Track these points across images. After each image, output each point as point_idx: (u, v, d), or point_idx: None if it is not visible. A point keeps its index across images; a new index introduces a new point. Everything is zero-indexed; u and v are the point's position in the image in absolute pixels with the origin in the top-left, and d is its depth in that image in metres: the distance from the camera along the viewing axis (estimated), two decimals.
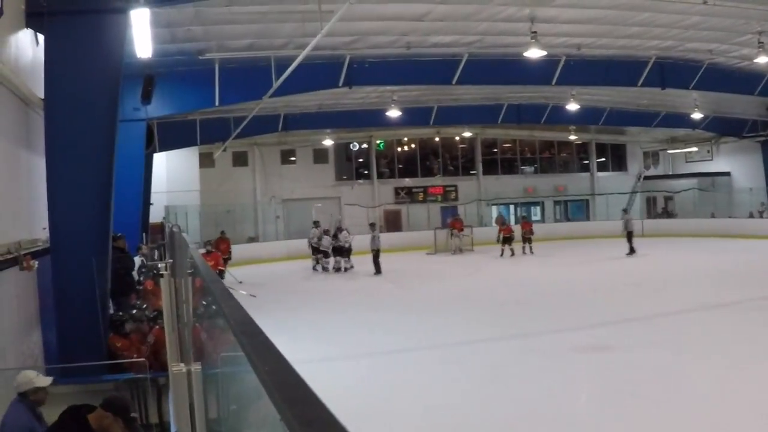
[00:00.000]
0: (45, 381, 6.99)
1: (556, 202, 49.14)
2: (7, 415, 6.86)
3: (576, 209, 49.42)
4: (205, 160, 40.01)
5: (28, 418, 6.80)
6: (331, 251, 31.45)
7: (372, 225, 31.78)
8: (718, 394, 10.71)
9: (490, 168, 48.08)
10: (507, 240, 34.25)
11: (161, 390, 8.91)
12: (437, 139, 47.17)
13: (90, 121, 10.98)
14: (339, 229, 31.80)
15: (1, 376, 7.29)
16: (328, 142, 43.03)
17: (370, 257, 29.01)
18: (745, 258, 28.11)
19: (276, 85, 20.82)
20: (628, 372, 12.17)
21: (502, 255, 33.82)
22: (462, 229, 37.95)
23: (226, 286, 3.14)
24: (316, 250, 32.04)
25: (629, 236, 31.92)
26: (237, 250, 32.24)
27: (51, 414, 7.39)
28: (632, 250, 31.34)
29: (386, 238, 32.44)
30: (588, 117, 40.18)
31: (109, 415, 6.09)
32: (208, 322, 4.59)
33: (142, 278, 18.03)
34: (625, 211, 35.49)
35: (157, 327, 10.37)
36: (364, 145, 46.03)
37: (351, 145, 45.72)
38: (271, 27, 19.73)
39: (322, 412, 1.16)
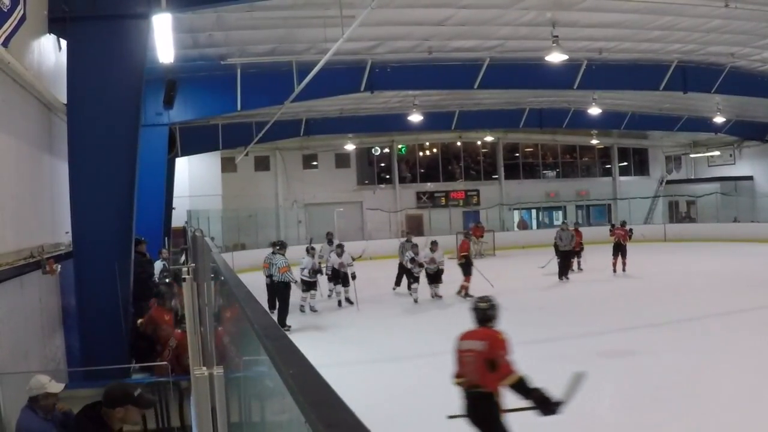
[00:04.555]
0: (57, 387, 6.98)
1: (578, 207, 48.92)
2: (20, 422, 6.88)
3: (598, 214, 49.26)
4: (227, 165, 40.15)
5: (39, 424, 6.81)
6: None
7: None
8: (744, 399, 10.62)
9: (512, 172, 48.05)
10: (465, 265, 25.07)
11: (183, 394, 8.93)
12: (459, 143, 47.11)
13: (112, 125, 11.03)
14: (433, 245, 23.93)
15: (22, 378, 7.30)
16: (349, 147, 43.03)
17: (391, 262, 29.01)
18: None
19: (298, 89, 20.84)
20: (654, 377, 12.08)
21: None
22: (482, 236, 37.83)
23: None
24: (410, 275, 23.46)
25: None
26: (259, 255, 32.19)
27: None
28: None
29: None
30: (610, 121, 40.14)
31: (119, 410, 6.10)
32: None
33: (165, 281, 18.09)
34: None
35: (179, 331, 10.40)
36: (386, 150, 46.13)
37: (373, 149, 45.82)
38: (293, 32, 19.75)
39: (346, 415, 1.15)
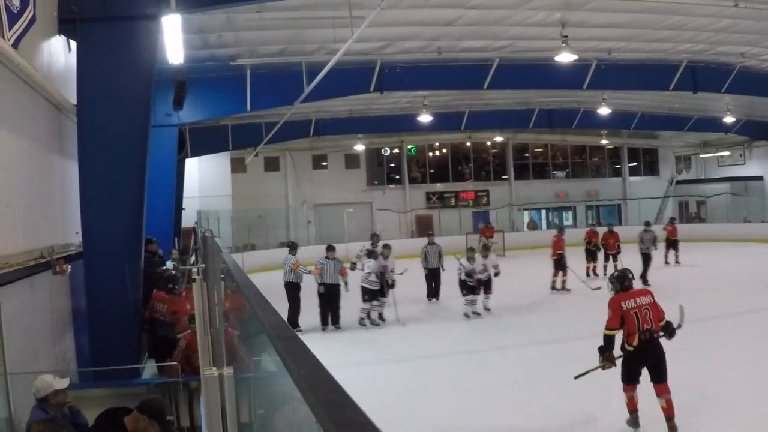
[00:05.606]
0: (63, 383, 6.98)
1: (587, 207, 48.88)
2: (30, 421, 6.87)
3: (608, 214, 49.06)
4: (237, 166, 40.19)
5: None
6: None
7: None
8: (751, 399, 10.60)
9: (521, 173, 48.07)
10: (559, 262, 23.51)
11: (193, 394, 8.93)
12: (468, 143, 47.12)
13: (122, 126, 11.06)
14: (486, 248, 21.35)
15: (32, 379, 7.29)
16: (359, 147, 43.10)
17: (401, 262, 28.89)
18: None
19: (307, 90, 20.85)
20: None
21: (555, 287, 23.60)
22: (491, 236, 37.78)
23: None
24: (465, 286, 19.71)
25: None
26: (268, 255, 32.22)
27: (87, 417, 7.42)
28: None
29: (419, 243, 32.29)
30: (619, 121, 40.08)
31: (144, 418, 6.12)
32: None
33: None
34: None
35: (189, 331, 10.42)
36: (396, 150, 46.18)
37: (382, 150, 45.87)
38: (302, 33, 19.77)
39: (357, 415, 1.15)
